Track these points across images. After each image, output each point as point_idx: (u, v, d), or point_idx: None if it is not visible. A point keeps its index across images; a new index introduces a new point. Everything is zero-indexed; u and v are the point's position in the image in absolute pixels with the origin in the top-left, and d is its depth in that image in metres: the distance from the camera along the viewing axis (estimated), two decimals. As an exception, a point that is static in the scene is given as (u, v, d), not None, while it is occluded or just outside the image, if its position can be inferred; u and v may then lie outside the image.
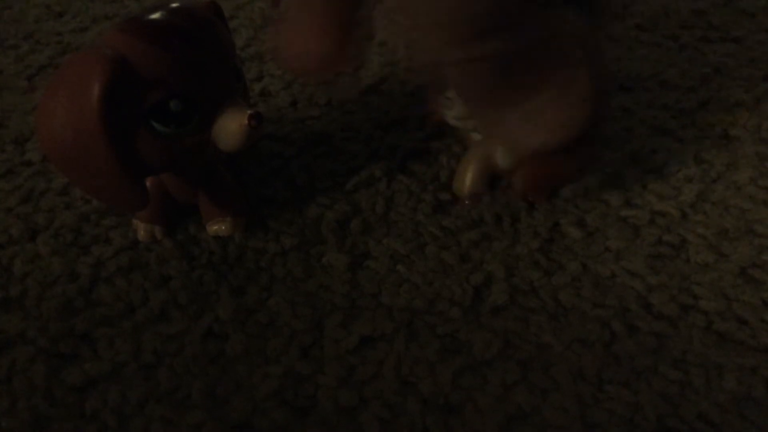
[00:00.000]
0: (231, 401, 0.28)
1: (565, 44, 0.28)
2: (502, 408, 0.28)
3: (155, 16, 0.29)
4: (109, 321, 0.31)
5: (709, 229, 0.34)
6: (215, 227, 0.35)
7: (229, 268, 0.33)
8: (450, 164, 0.38)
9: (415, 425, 0.27)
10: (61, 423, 0.28)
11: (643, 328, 0.30)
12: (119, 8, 0.56)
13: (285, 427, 0.28)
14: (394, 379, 0.29)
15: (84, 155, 0.28)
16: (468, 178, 0.36)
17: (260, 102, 0.43)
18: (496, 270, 0.33)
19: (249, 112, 0.29)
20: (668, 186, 0.37)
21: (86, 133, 0.27)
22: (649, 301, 0.31)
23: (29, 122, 0.43)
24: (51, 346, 0.30)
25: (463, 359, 0.30)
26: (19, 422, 0.28)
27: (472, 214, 0.35)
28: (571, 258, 0.33)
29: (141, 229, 0.34)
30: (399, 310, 0.31)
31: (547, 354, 0.30)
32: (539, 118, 0.30)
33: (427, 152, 0.39)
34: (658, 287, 0.32)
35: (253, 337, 0.31)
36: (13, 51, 0.50)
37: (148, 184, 0.32)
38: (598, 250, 0.34)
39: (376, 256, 0.34)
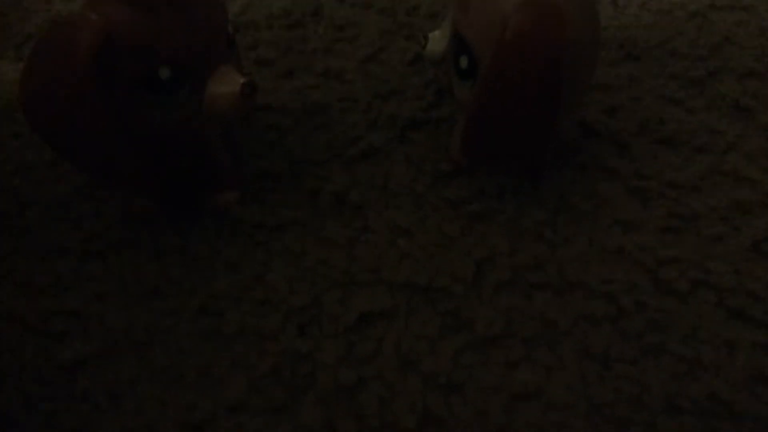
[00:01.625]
0: (226, 380, 0.28)
1: None
2: (506, 387, 0.27)
3: None
4: (101, 297, 0.30)
5: (721, 201, 0.33)
6: (210, 201, 0.34)
7: (225, 243, 0.32)
8: (451, 134, 0.37)
9: (415, 404, 0.27)
10: (51, 402, 0.27)
11: (651, 304, 0.30)
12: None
13: (282, 406, 0.27)
14: (394, 357, 0.28)
15: (70, 126, 0.27)
16: None
17: (255, 71, 0.42)
18: (499, 244, 0.32)
19: (242, 80, 0.28)
20: (679, 156, 0.36)
21: (72, 103, 0.26)
22: (658, 276, 0.30)
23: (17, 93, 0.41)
24: (41, 323, 0.29)
25: (465, 336, 0.29)
26: (8, 402, 0.27)
27: (475, 184, 0.34)
28: (577, 231, 0.32)
29: (134, 202, 0.33)
30: (399, 286, 0.31)
31: (552, 331, 0.29)
32: None
33: (428, 122, 0.38)
34: (667, 261, 0.31)
35: (249, 314, 0.30)
36: (2, 18, 0.49)
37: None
38: (606, 223, 0.33)
39: (375, 230, 0.33)
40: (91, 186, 0.35)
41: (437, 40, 0.33)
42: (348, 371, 0.28)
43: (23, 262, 0.32)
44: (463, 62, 0.30)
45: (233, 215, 0.33)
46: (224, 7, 0.31)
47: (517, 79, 0.28)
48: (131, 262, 0.32)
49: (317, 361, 0.28)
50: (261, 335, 0.29)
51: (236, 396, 0.27)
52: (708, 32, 0.45)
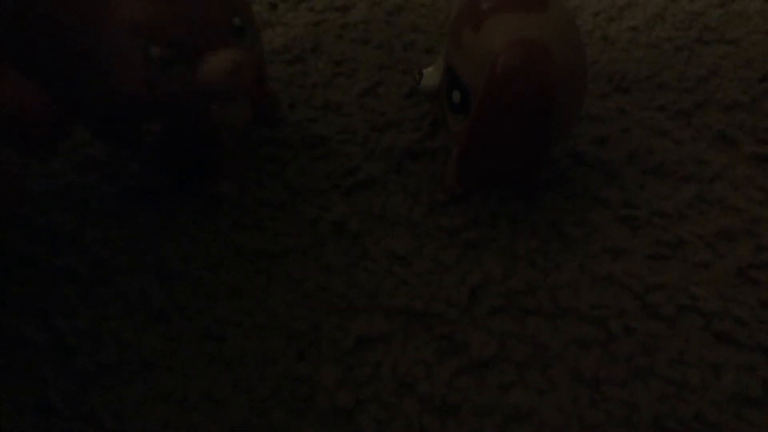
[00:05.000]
0: (228, 403, 0.28)
1: None
2: (499, 409, 0.28)
3: None
4: (108, 321, 0.31)
5: (707, 229, 0.34)
6: (210, 187, 0.36)
7: (227, 269, 0.33)
8: (446, 164, 0.38)
9: (411, 426, 0.27)
10: (60, 421, 0.28)
11: (640, 328, 0.30)
12: None
13: (282, 428, 0.28)
14: (392, 380, 0.29)
15: None
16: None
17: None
18: (493, 270, 0.33)
19: (228, 57, 0.29)
20: (666, 186, 0.37)
21: None
22: (646, 302, 0.31)
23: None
24: (49, 345, 0.30)
25: (460, 360, 0.30)
26: (19, 422, 0.28)
27: (469, 213, 0.35)
28: (568, 258, 0.33)
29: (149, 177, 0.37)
30: (396, 311, 0.31)
31: (544, 355, 0.30)
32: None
33: (423, 153, 0.39)
34: (655, 287, 0.32)
35: (250, 338, 0.31)
36: None
37: None
38: (596, 250, 0.34)
39: (373, 257, 0.34)
40: (98, 213, 0.36)
41: (431, 76, 0.34)
42: (346, 394, 0.28)
43: (34, 287, 0.33)
44: (456, 97, 0.31)
45: (236, 243, 0.34)
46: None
47: (508, 112, 0.29)
48: (137, 287, 0.33)
49: (316, 384, 0.29)
50: (262, 359, 0.30)
51: (237, 418, 0.28)
52: (695, 65, 0.46)
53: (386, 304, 0.32)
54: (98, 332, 0.31)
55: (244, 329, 0.31)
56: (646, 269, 0.33)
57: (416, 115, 0.41)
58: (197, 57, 0.30)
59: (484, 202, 0.36)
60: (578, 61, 0.30)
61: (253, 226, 0.35)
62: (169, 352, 0.30)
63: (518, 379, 0.29)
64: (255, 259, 0.34)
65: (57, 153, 0.39)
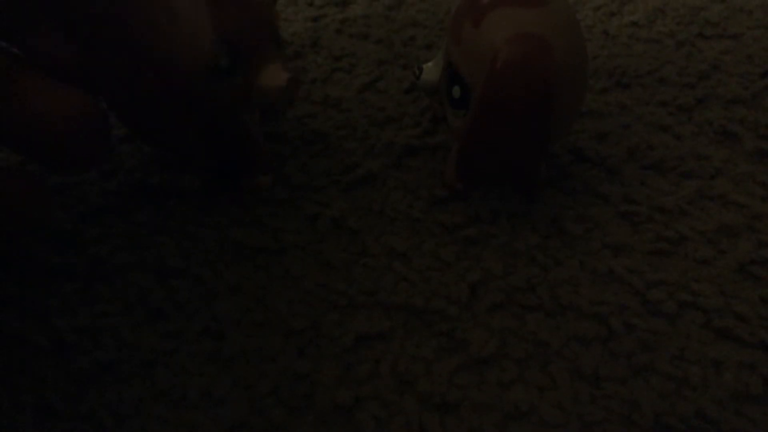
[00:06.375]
0: (228, 401, 0.28)
1: None
2: (499, 406, 0.28)
3: None
4: (106, 319, 0.31)
5: (708, 225, 0.34)
6: (247, 183, 0.37)
7: (226, 266, 0.33)
8: (446, 160, 0.38)
9: (411, 424, 0.27)
10: (59, 421, 0.28)
11: (640, 325, 0.30)
12: None
13: (282, 426, 0.28)
14: (391, 378, 0.29)
15: None
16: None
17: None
18: (493, 267, 0.33)
19: (288, 76, 0.30)
20: (667, 182, 0.37)
21: None
22: (647, 298, 0.31)
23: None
24: (47, 344, 0.30)
25: (460, 357, 0.30)
26: (19, 422, 0.27)
27: (469, 210, 0.35)
28: (569, 254, 0.33)
29: (181, 178, 0.37)
30: (396, 308, 0.31)
31: (544, 352, 0.30)
32: None
33: (423, 149, 0.39)
34: (656, 284, 0.32)
35: (249, 335, 0.30)
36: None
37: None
38: (596, 247, 0.34)
39: (373, 254, 0.34)
40: (97, 213, 0.36)
41: (431, 71, 0.34)
42: (346, 391, 0.28)
43: (32, 285, 0.32)
44: (456, 92, 0.31)
45: (235, 239, 0.34)
46: (273, 9, 0.32)
47: (507, 108, 0.29)
48: (136, 285, 0.32)
49: (316, 382, 0.29)
50: (261, 357, 0.30)
51: (237, 416, 0.28)
52: (696, 60, 0.46)
53: (386, 301, 0.32)
54: (97, 330, 0.31)
55: (243, 327, 0.31)
56: (646, 265, 0.33)
57: (416, 110, 0.41)
58: (253, 66, 0.30)
59: (484, 199, 0.36)
60: (579, 57, 0.30)
61: (252, 223, 0.35)
62: (168, 350, 0.30)
63: (518, 376, 0.29)
64: (254, 255, 0.34)
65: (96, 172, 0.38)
